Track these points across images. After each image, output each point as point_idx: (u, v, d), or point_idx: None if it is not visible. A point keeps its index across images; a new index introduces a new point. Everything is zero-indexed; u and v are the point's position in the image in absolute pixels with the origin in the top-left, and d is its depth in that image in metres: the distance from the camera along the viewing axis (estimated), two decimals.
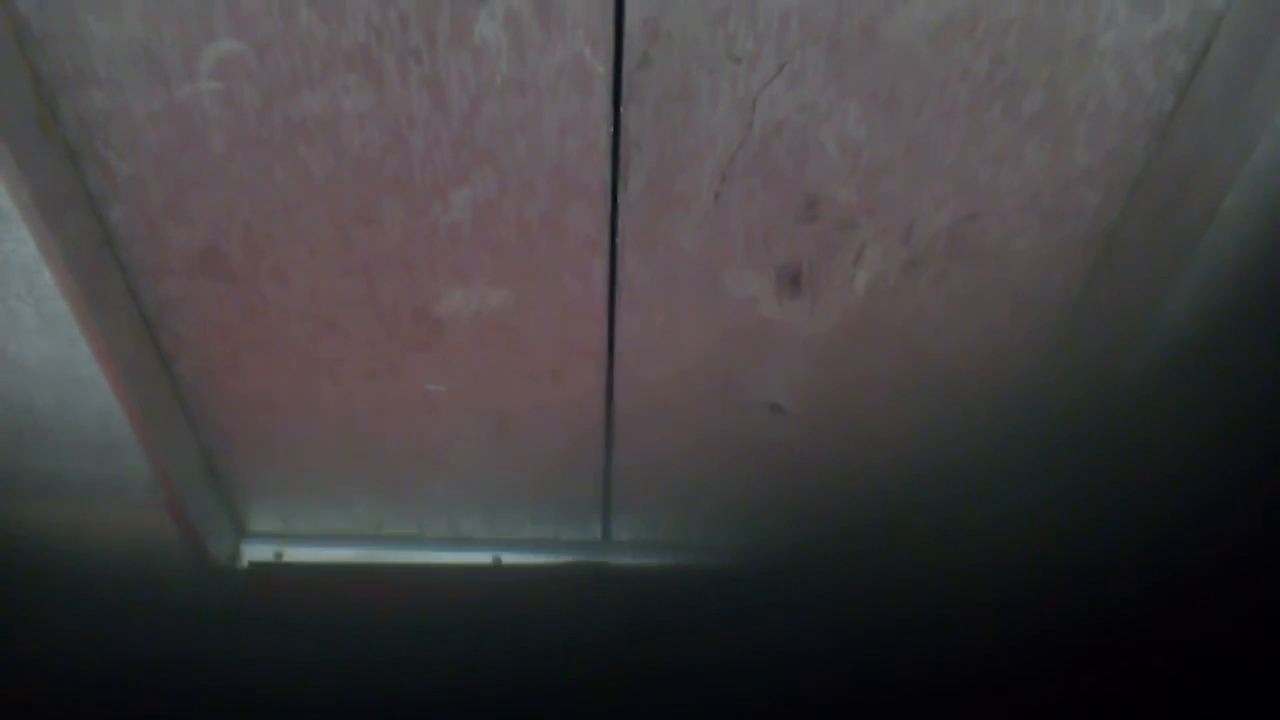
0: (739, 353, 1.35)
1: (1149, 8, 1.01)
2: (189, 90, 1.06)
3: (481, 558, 1.67)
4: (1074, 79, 1.06)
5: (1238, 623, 1.20)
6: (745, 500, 1.60)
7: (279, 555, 1.67)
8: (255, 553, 1.67)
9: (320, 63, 1.03)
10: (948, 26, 1.02)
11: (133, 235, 1.20)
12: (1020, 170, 1.13)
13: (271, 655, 1.52)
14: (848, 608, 1.61)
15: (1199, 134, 1.07)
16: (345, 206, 1.17)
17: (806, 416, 1.44)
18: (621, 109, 1.08)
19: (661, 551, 1.69)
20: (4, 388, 1.28)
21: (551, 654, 1.55)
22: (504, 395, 1.41)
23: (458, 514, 1.64)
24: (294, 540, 1.69)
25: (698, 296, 1.28)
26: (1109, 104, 1.08)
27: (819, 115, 1.08)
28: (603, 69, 1.04)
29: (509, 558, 1.67)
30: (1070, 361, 1.33)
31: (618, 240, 1.21)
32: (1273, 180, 1.07)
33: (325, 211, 1.18)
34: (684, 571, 1.68)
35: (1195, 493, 1.22)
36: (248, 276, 1.25)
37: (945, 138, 1.10)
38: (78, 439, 1.35)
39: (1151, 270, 1.19)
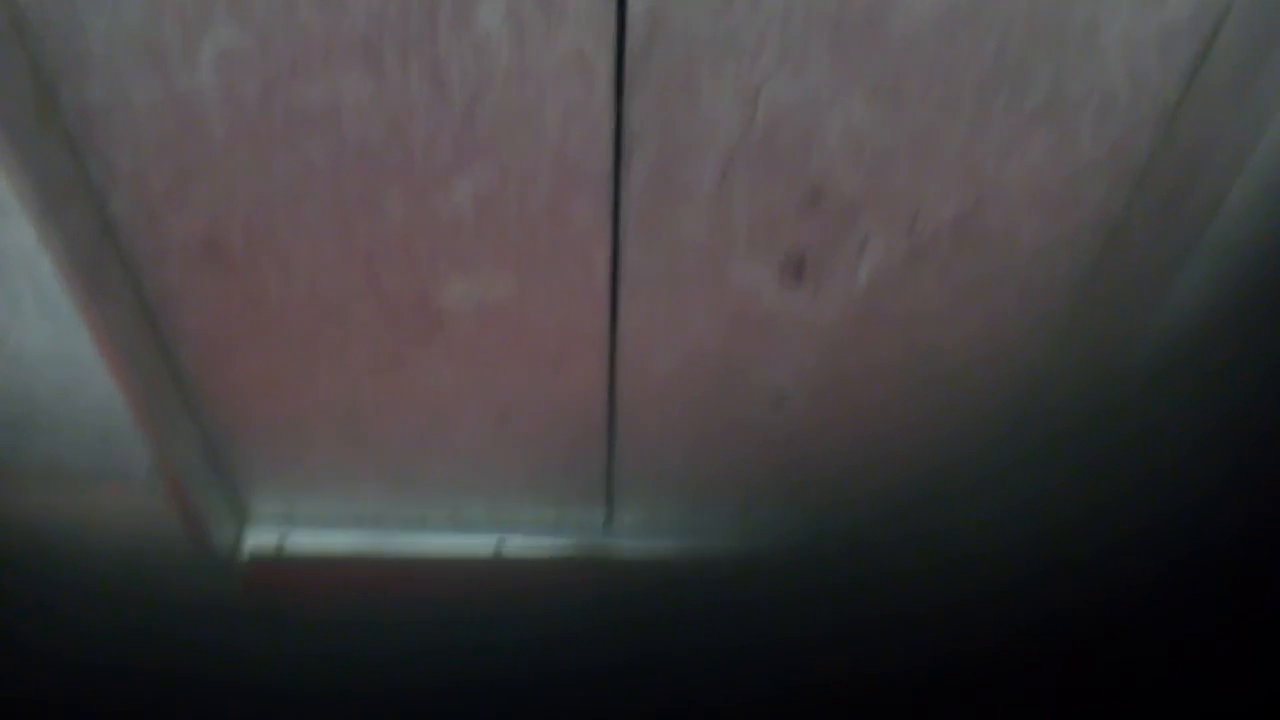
0: (742, 342, 1.35)
1: None
2: (189, 81, 1.05)
3: (485, 544, 1.67)
4: (1079, 70, 1.05)
5: (1244, 614, 1.20)
6: (749, 487, 1.60)
7: (282, 542, 1.68)
8: (258, 539, 1.67)
9: (320, 53, 1.03)
10: (951, 17, 1.01)
11: (133, 225, 1.19)
12: (1025, 161, 1.12)
13: (274, 641, 1.53)
14: (851, 596, 1.61)
15: (1205, 125, 1.07)
16: (346, 197, 1.17)
17: (810, 404, 1.44)
18: (624, 99, 1.07)
19: (665, 537, 1.69)
20: (4, 377, 1.28)
21: (555, 639, 1.55)
22: (506, 384, 1.41)
23: (460, 501, 1.64)
24: (297, 527, 1.69)
25: (701, 286, 1.27)
26: (1114, 95, 1.08)
27: (822, 105, 1.08)
28: (605, 59, 1.04)
29: (512, 544, 1.68)
30: (1075, 350, 1.33)
31: (620, 230, 1.20)
32: (1279, 171, 1.06)
33: (326, 202, 1.17)
34: (687, 558, 1.68)
35: (1202, 482, 1.21)
36: (249, 266, 1.25)
37: (949, 128, 1.09)
38: (78, 428, 1.35)
39: (1157, 260, 1.19)
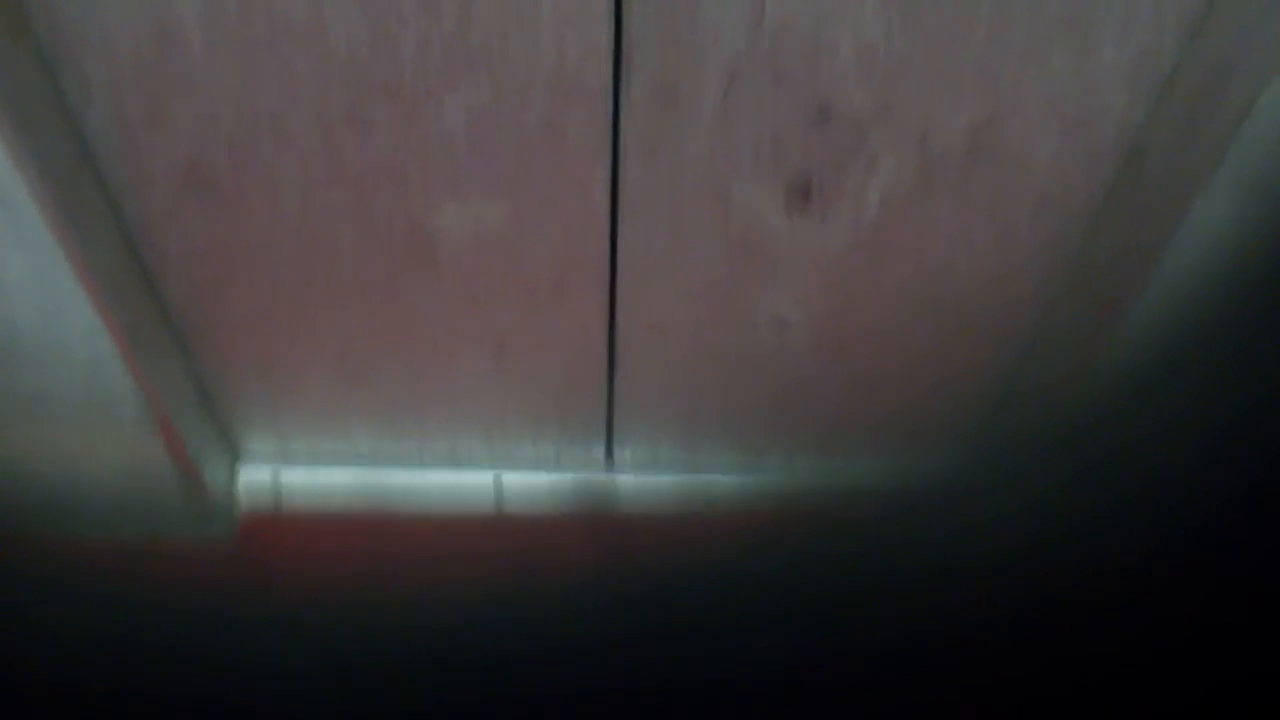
0: (745, 267, 1.30)
1: None
2: None
3: (482, 481, 1.65)
4: None
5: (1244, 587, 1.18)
6: (752, 419, 1.57)
7: (275, 480, 1.64)
8: (251, 476, 1.64)
9: None
10: None
11: (110, 147, 1.14)
12: (1045, 70, 1.07)
13: (269, 581, 1.50)
14: (852, 536, 1.59)
15: (1236, 28, 1.01)
16: (333, 114, 1.11)
17: (815, 333, 1.40)
18: (623, 5, 1.02)
19: (666, 472, 1.66)
20: None
21: (554, 578, 1.53)
22: (503, 313, 1.37)
23: (457, 437, 1.61)
24: (291, 465, 1.66)
25: (703, 208, 1.23)
26: None
27: (833, 12, 1.02)
28: None
29: (510, 480, 1.65)
30: (1089, 273, 1.29)
31: (619, 149, 1.15)
32: None
33: (312, 120, 1.12)
34: (689, 493, 1.65)
35: (1226, 414, 1.18)
36: (233, 190, 1.20)
37: (966, 35, 1.04)
38: (64, 360, 1.30)
39: (1177, 178, 1.14)
